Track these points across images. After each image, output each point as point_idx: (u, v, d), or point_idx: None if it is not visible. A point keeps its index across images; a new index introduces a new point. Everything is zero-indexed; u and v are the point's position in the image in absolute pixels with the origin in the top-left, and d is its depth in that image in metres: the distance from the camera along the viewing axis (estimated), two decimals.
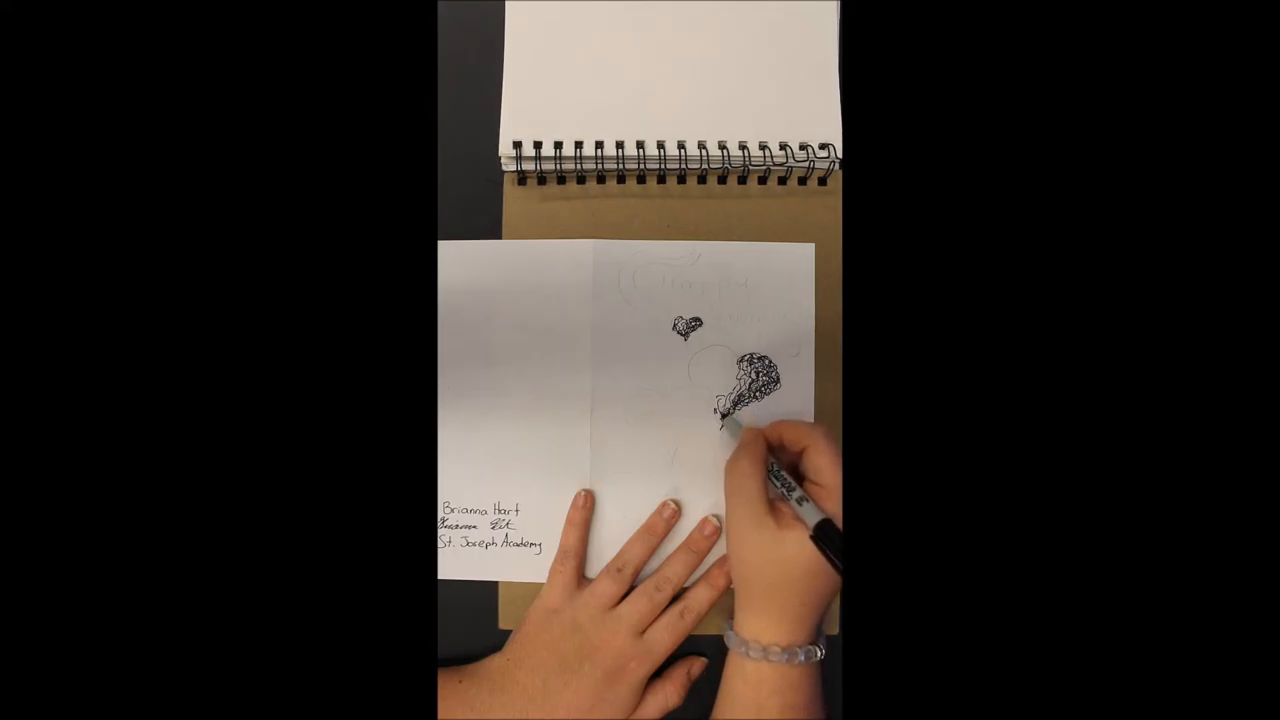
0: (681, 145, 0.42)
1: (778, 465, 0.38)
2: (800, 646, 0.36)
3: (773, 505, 0.36)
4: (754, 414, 0.42)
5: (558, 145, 0.42)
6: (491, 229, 0.43)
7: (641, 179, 0.43)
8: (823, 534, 0.34)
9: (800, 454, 0.37)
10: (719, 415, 0.42)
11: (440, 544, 0.42)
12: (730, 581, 0.40)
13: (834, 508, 0.35)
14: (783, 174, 0.43)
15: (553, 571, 0.41)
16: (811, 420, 0.42)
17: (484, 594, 0.42)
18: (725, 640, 0.38)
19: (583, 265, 0.42)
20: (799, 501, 0.36)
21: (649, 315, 0.42)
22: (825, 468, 0.36)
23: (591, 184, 0.43)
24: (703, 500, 0.41)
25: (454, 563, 0.42)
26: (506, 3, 0.44)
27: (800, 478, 0.38)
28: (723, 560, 0.41)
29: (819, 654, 0.36)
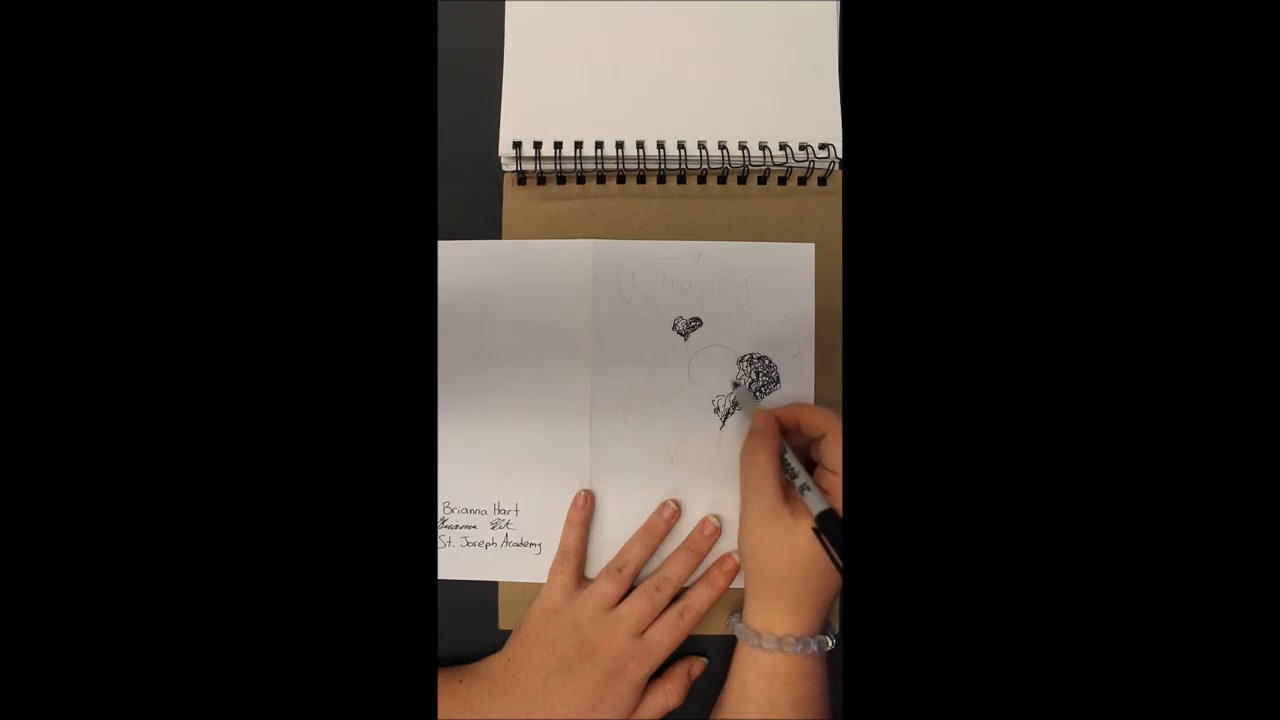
0: (681, 145, 0.42)
1: (788, 449, 0.38)
2: (813, 636, 0.36)
3: (786, 494, 0.37)
4: None
5: (558, 145, 0.42)
6: (491, 229, 0.43)
7: (641, 179, 0.43)
8: (824, 525, 0.34)
9: (815, 440, 0.37)
10: (731, 384, 0.42)
11: (440, 544, 0.42)
12: (730, 581, 0.40)
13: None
14: (783, 174, 0.43)
15: (553, 571, 0.41)
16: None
17: (484, 594, 0.42)
18: (734, 632, 0.38)
19: (583, 265, 0.42)
20: (803, 489, 0.36)
21: (649, 315, 0.42)
22: (840, 457, 0.36)
23: (591, 184, 0.43)
24: (703, 500, 0.41)
25: (454, 563, 0.42)
26: (506, 3, 0.44)
27: (811, 464, 0.38)
28: (722, 560, 0.41)
29: (830, 643, 0.36)
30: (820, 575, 0.35)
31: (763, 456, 0.37)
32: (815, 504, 0.35)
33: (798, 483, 0.36)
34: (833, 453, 0.36)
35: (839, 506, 0.35)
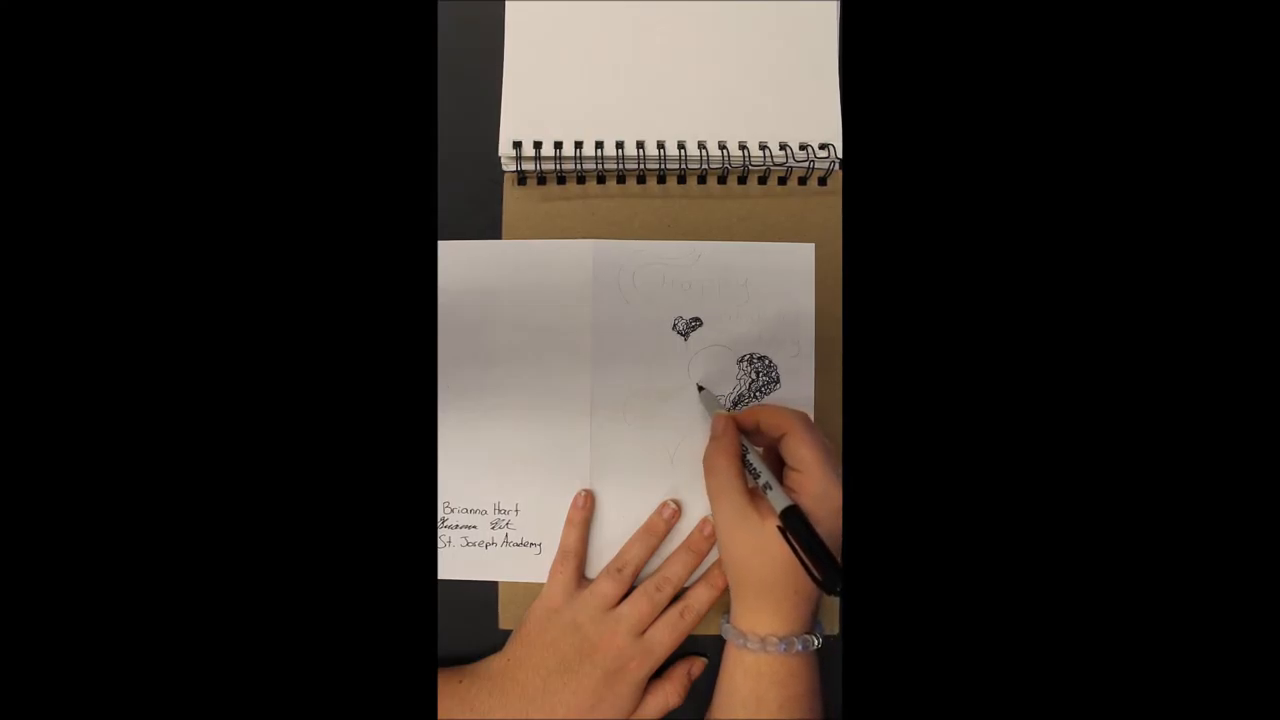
0: (681, 145, 0.42)
1: (750, 450, 0.37)
2: (797, 636, 0.36)
3: (754, 495, 0.36)
4: None
5: (558, 145, 0.42)
6: (491, 229, 0.43)
7: (641, 179, 0.43)
8: (788, 522, 0.33)
9: (779, 440, 0.37)
10: (697, 387, 0.42)
11: (440, 544, 0.42)
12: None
13: (814, 492, 0.34)
14: (783, 174, 0.43)
15: (553, 571, 0.41)
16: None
17: (484, 594, 0.42)
18: (722, 633, 0.38)
19: (582, 265, 0.42)
20: (765, 488, 0.35)
21: (649, 315, 0.42)
22: (804, 454, 0.35)
23: (591, 184, 0.43)
24: (703, 500, 0.41)
25: (454, 563, 0.42)
26: (506, 3, 0.44)
27: (780, 463, 0.37)
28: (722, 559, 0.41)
29: (816, 642, 0.36)
30: (797, 574, 0.34)
31: (723, 461, 0.37)
32: (778, 502, 0.34)
33: (760, 482, 0.36)
34: (796, 451, 0.36)
35: (808, 504, 0.34)
